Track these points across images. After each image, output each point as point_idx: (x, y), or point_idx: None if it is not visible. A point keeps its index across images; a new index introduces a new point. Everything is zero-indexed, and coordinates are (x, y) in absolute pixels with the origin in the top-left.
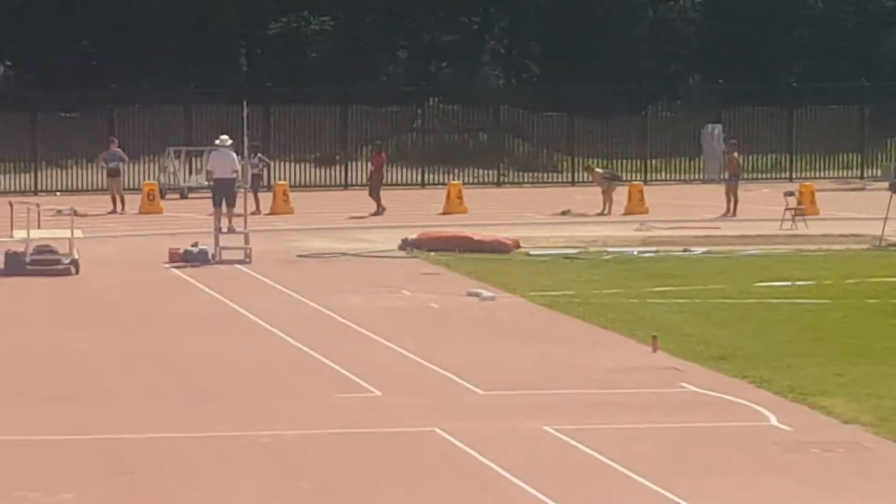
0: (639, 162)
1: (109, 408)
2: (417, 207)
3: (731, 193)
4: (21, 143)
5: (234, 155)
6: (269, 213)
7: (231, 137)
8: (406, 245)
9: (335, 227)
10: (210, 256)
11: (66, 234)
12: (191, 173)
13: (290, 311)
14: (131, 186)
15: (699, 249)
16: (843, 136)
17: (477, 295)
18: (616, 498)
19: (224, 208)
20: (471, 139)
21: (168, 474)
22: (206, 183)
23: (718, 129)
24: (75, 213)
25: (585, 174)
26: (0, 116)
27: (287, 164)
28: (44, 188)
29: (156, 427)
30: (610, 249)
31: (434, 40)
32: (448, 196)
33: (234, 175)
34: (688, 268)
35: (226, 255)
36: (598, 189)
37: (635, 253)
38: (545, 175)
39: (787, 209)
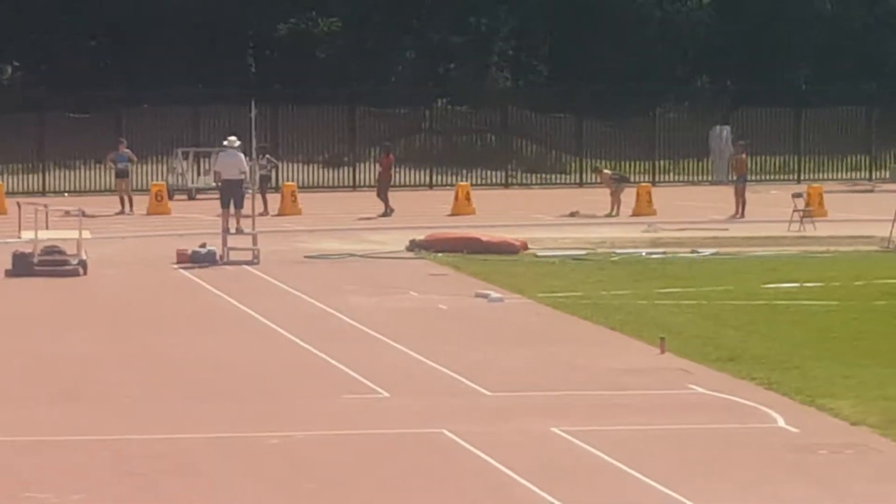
0: (647, 163)
1: (118, 408)
2: (425, 208)
3: (739, 195)
4: (29, 143)
5: (242, 156)
6: (277, 214)
7: (239, 138)
8: (414, 246)
9: (343, 228)
10: (218, 257)
11: (74, 234)
12: (199, 174)
13: (297, 311)
14: (139, 187)
15: (707, 251)
16: (851, 138)
17: (485, 296)
18: (623, 499)
19: (232, 209)
20: (479, 140)
21: (176, 475)
22: (215, 184)
23: (727, 130)
24: (83, 214)
25: (593, 175)
26: (8, 117)
27: (295, 164)
28: (51, 189)
29: (164, 428)
30: (618, 251)
31: (442, 41)
32: (456, 197)
33: (242, 176)
34: (696, 269)
35: (233, 256)
36: (607, 190)
37: (643, 254)
38: (553, 176)
39: (795, 211)
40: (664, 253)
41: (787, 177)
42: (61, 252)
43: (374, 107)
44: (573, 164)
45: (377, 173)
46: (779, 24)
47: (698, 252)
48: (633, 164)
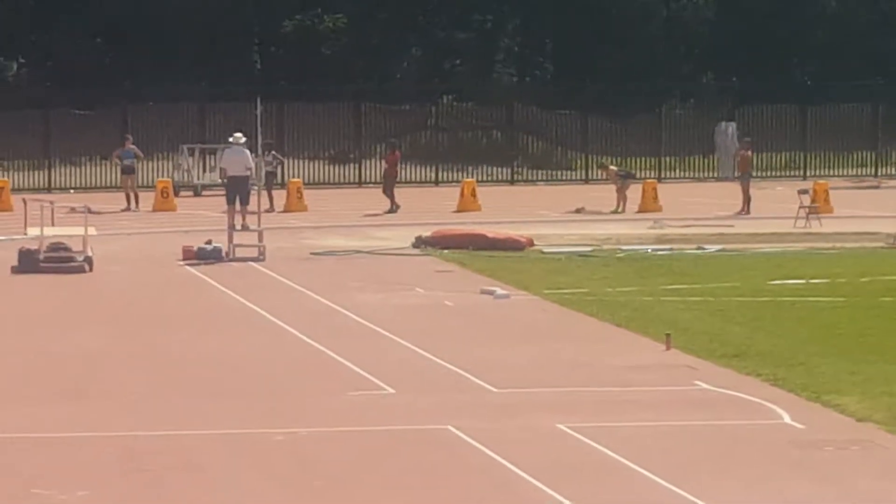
0: (653, 160)
1: (123, 405)
2: (431, 205)
3: (743, 191)
4: (35, 140)
5: (248, 152)
6: (283, 211)
7: (245, 135)
8: (420, 243)
9: (349, 224)
10: (224, 254)
11: (80, 231)
12: (204, 171)
13: (303, 308)
14: (145, 184)
15: (713, 247)
16: (857, 134)
17: (490, 293)
18: (629, 496)
19: (238, 206)
20: (484, 137)
21: (182, 472)
22: (220, 180)
23: (732, 127)
24: (89, 211)
25: (599, 172)
26: (14, 114)
27: (301, 161)
28: (57, 186)
29: (169, 424)
30: (624, 247)
31: (448, 38)
32: (462, 194)
33: (248, 173)
34: (701, 266)
35: (239, 253)
36: (612, 187)
37: (649, 251)
38: (559, 173)
39: (801, 207)
40: (670, 249)
41: (792, 173)
42: (67, 249)
43: (380, 103)
44: (579, 161)
45: (383, 170)
46: (784, 20)
47: (704, 248)
48: (638, 160)
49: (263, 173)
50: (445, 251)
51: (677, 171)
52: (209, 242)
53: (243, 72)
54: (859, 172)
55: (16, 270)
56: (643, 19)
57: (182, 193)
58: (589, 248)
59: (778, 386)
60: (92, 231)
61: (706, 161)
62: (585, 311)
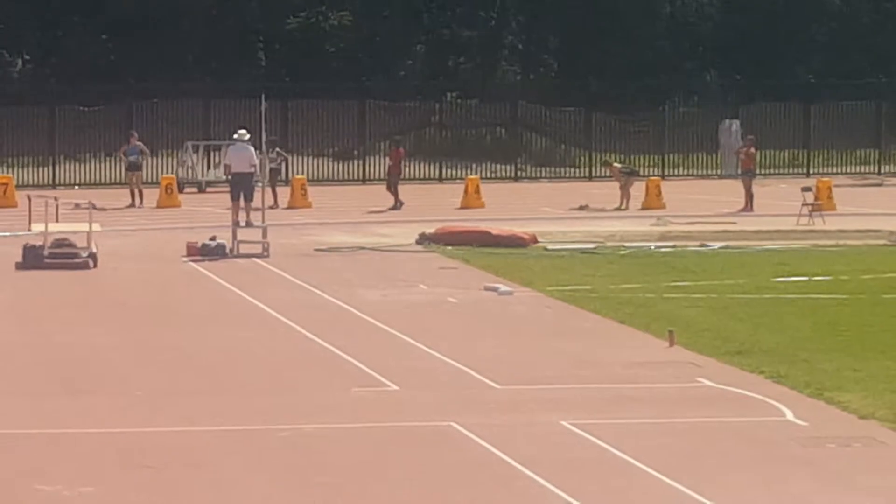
0: (656, 157)
1: (127, 401)
2: (435, 202)
3: (745, 188)
4: (39, 136)
5: (252, 149)
6: (287, 208)
7: (249, 132)
8: (424, 239)
9: (353, 221)
10: (228, 250)
11: (84, 227)
12: (209, 167)
13: (307, 304)
14: (149, 180)
15: (716, 244)
16: (860, 132)
17: (494, 289)
18: (632, 492)
19: (242, 202)
20: (488, 134)
21: (186, 468)
22: (224, 177)
23: (736, 124)
24: (93, 207)
25: (603, 169)
26: (19, 110)
27: (305, 158)
28: (62, 182)
29: (173, 420)
30: (627, 244)
31: (452, 35)
32: (466, 190)
33: (252, 169)
34: (705, 263)
35: (243, 249)
36: (616, 184)
37: (652, 248)
38: (563, 170)
39: (804, 204)
40: (673, 246)
41: (796, 171)
42: (71, 245)
43: (384, 100)
44: (583, 158)
45: (387, 167)
46: (788, 18)
47: (707, 246)
48: (642, 157)
49: (268, 170)
50: (449, 248)
51: (681, 168)
52: (213, 239)
53: (248, 69)
54: (862, 170)
55: (20, 266)
56: (647, 17)
57: (186, 190)
58: (592, 245)
59: (781, 383)
60: (96, 227)
61: (710, 158)
62: (589, 308)
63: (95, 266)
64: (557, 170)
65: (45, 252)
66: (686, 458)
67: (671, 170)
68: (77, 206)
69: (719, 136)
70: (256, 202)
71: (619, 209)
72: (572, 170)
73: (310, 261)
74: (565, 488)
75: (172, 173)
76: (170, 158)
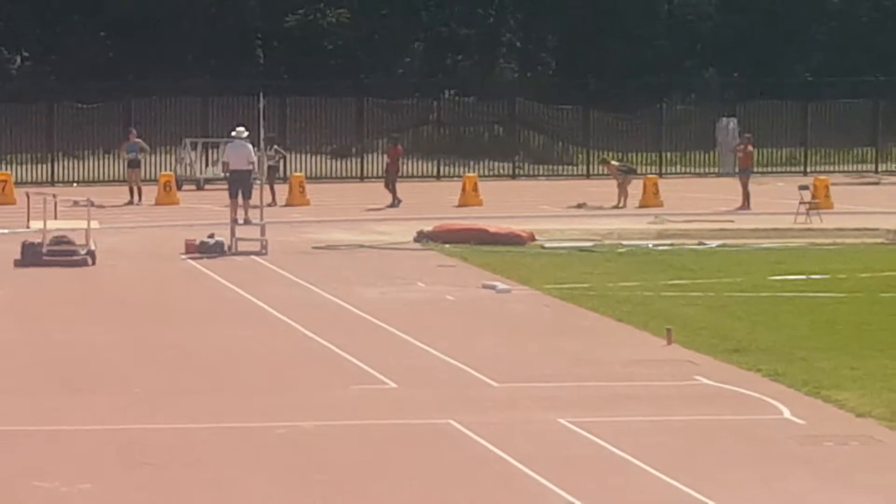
0: (654, 155)
1: (126, 399)
2: (433, 200)
3: (742, 187)
4: (38, 133)
5: (251, 147)
6: (285, 205)
7: (247, 129)
8: (421, 237)
9: (351, 218)
10: (226, 248)
11: (83, 224)
12: (207, 165)
13: (305, 302)
14: (148, 178)
15: (714, 243)
16: (857, 131)
17: (492, 287)
18: (630, 490)
19: (240, 200)
20: (486, 132)
21: (185, 465)
22: (223, 174)
23: (734, 122)
24: (92, 204)
25: (601, 167)
26: (17, 107)
27: (303, 155)
28: (60, 179)
29: (172, 418)
30: (625, 242)
31: (450, 33)
32: (463, 188)
33: (251, 167)
34: (702, 261)
35: (242, 247)
36: (614, 182)
37: (650, 246)
38: (560, 168)
39: (801, 203)
40: (671, 244)
41: (793, 169)
42: (70, 242)
43: (382, 98)
44: (580, 156)
45: (385, 164)
46: (786, 16)
47: (705, 244)
48: (640, 155)
49: (266, 167)
50: (447, 246)
51: (678, 166)
52: (211, 236)
53: (246, 66)
54: (860, 168)
55: (19, 264)
56: (645, 15)
57: (185, 187)
58: (590, 244)
59: (778, 381)
60: (95, 224)
61: (707, 157)
62: (587, 306)
63: (94, 263)
64: (555, 168)
65: (44, 249)
66: (684, 456)
67: (669, 168)
68: (76, 203)
69: (717, 135)
70: (255, 200)
71: (616, 207)
72: (570, 168)
73: (308, 258)
74: (563, 486)
75: (171, 171)
76: (168, 156)
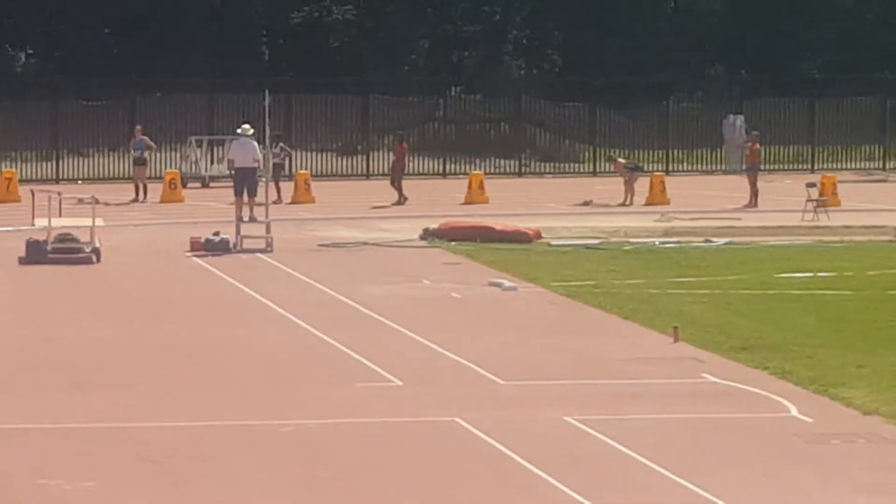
0: (660, 152)
1: (130, 396)
2: (439, 197)
3: (750, 184)
4: (43, 131)
5: (256, 144)
6: (291, 203)
7: (253, 127)
8: (427, 235)
9: (357, 216)
10: (231, 245)
11: (88, 222)
12: (212, 162)
13: (311, 300)
14: (153, 175)
15: (721, 240)
16: (865, 128)
17: (498, 285)
18: (636, 488)
19: (245, 197)
20: (492, 129)
21: (189, 463)
22: (228, 172)
23: (740, 119)
24: (96, 202)
25: (607, 164)
26: (22, 104)
27: (309, 153)
28: (65, 176)
29: (177, 416)
30: (631, 240)
31: (456, 30)
32: (470, 186)
33: (256, 164)
34: (709, 258)
35: (247, 244)
36: (620, 179)
37: (657, 243)
38: (567, 165)
39: (808, 200)
40: (678, 242)
41: (800, 166)
42: (75, 240)
43: (388, 95)
44: (587, 153)
45: (391, 162)
46: (793, 13)
47: (712, 241)
48: (646, 153)
49: (271, 165)
50: (453, 243)
51: (685, 163)
52: (217, 234)
53: (251, 63)
54: (867, 166)
55: (24, 261)
56: (651, 11)
57: (190, 185)
58: (597, 241)
59: (785, 379)
60: (100, 222)
61: (714, 154)
62: (593, 304)
63: (99, 261)
64: (561, 165)
65: (49, 247)
66: (690, 453)
67: (675, 165)
68: (80, 200)
69: (723, 132)
70: (260, 197)
71: (623, 205)
72: (576, 165)
73: (313, 256)
74: (569, 484)
75: (176, 168)
76: (173, 153)
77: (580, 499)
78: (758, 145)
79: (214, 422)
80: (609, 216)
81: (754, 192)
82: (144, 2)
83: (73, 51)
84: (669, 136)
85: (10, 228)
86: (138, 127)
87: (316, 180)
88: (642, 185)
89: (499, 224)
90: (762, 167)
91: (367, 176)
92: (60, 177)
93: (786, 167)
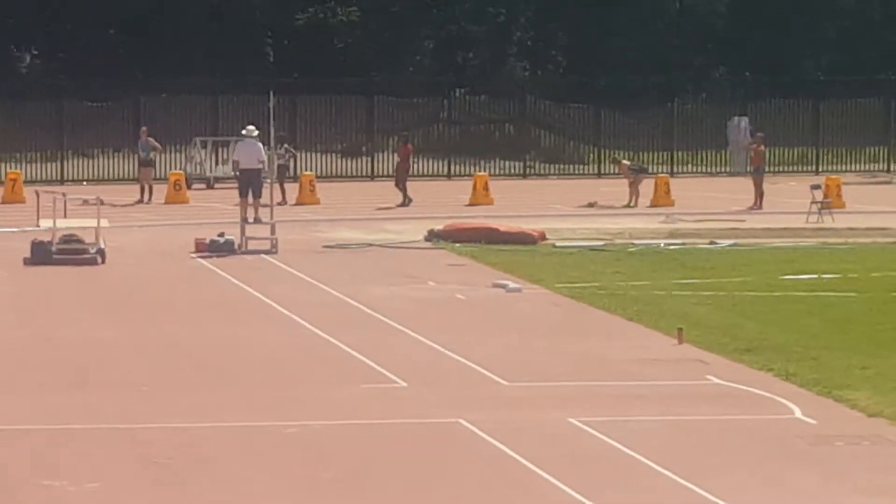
0: (665, 154)
1: (135, 397)
2: (443, 198)
3: (755, 186)
4: (48, 132)
5: (261, 145)
6: (296, 204)
7: (257, 128)
8: (432, 236)
9: (361, 217)
10: (236, 246)
11: (93, 223)
12: (217, 163)
13: (315, 301)
14: (157, 176)
15: (725, 242)
16: (869, 130)
17: (503, 286)
18: (640, 490)
19: (250, 198)
20: (497, 130)
21: (193, 464)
22: (233, 173)
23: (745, 121)
24: (101, 203)
25: (612, 166)
26: (27, 105)
27: (313, 154)
28: (70, 178)
29: (181, 416)
30: (636, 242)
31: (460, 31)
32: (474, 187)
33: (261, 165)
34: (714, 260)
35: (252, 245)
36: (625, 181)
37: (661, 245)
38: (571, 167)
39: (813, 202)
40: (682, 244)
41: (805, 168)
42: (80, 241)
43: (392, 96)
44: (591, 155)
45: (395, 163)
46: (797, 14)
47: (716, 243)
48: (651, 154)
49: (276, 166)
50: (458, 245)
51: (690, 165)
52: (221, 235)
53: (256, 64)
54: (872, 168)
55: (29, 262)
56: (655, 13)
57: (195, 186)
58: (601, 243)
59: (789, 381)
60: (104, 223)
61: (718, 156)
62: (597, 305)
63: (104, 262)
64: (566, 167)
65: (54, 248)
66: (694, 455)
67: (680, 167)
68: (85, 201)
69: (728, 133)
70: (265, 198)
71: (628, 206)
72: (581, 167)
73: (318, 257)
74: (573, 485)
75: (180, 169)
76: (178, 154)
77: (584, 500)
78: (762, 147)
79: (218, 423)
80: (614, 218)
81: (759, 194)
82: (149, 2)
83: (77, 51)
84: (674, 138)
85: (15, 229)
86: (144, 128)
87: (320, 181)
88: (647, 186)
89: (503, 225)
90: (767, 169)
91: (372, 177)
92: (65, 178)
93: (790, 169)
